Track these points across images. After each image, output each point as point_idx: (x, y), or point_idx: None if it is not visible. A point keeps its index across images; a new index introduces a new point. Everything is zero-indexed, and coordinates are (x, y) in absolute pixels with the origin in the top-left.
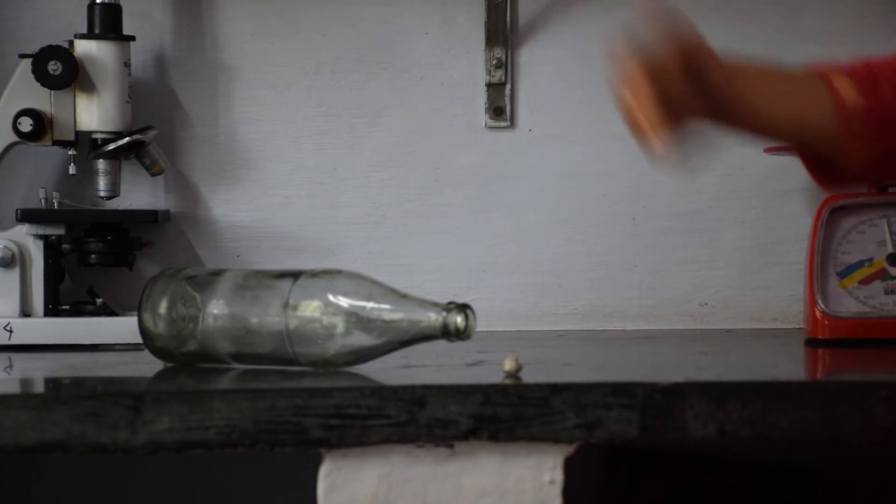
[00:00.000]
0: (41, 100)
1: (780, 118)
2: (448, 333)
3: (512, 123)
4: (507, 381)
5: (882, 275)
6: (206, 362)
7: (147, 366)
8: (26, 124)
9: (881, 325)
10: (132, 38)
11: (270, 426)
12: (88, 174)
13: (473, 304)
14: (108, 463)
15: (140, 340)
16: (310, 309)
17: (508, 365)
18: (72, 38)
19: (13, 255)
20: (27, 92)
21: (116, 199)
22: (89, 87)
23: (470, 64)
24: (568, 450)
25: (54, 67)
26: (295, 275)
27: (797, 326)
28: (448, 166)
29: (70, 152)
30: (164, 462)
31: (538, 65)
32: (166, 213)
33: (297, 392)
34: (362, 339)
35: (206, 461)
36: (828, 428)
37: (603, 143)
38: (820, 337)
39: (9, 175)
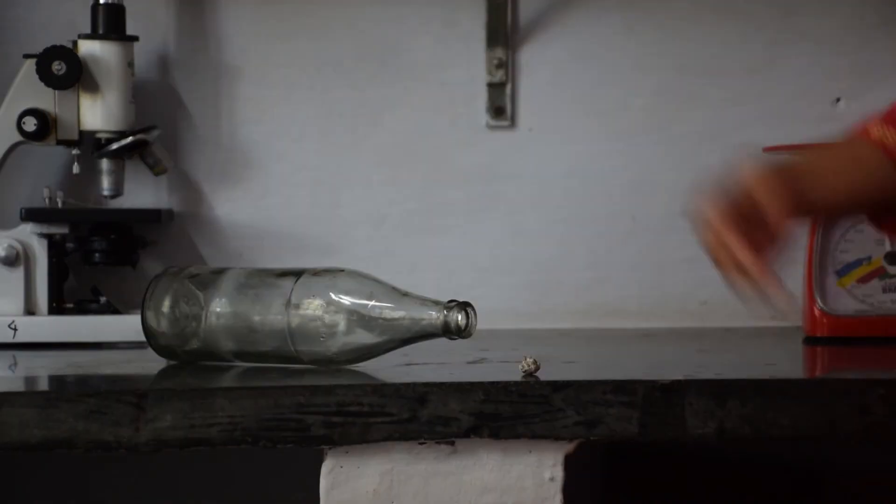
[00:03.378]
0: (45, 100)
1: (851, 197)
2: (449, 331)
3: (512, 123)
4: (530, 380)
5: (880, 273)
6: (208, 360)
7: (150, 364)
8: (30, 124)
9: (879, 323)
10: (136, 39)
11: (273, 424)
12: (92, 174)
13: (474, 303)
14: (112, 460)
15: (143, 338)
16: (312, 307)
17: (525, 364)
18: (76, 38)
19: (17, 254)
20: (31, 92)
21: (120, 198)
22: (93, 87)
23: (471, 64)
24: (568, 447)
25: (58, 67)
26: (297, 273)
27: (796, 325)
28: (449, 166)
29: (74, 152)
30: (168, 459)
31: (539, 65)
32: (169, 213)
33: (299, 390)
34: (364, 338)
35: (209, 458)
36: (827, 425)
37: (603, 143)
38: (818, 335)
39: (13, 174)
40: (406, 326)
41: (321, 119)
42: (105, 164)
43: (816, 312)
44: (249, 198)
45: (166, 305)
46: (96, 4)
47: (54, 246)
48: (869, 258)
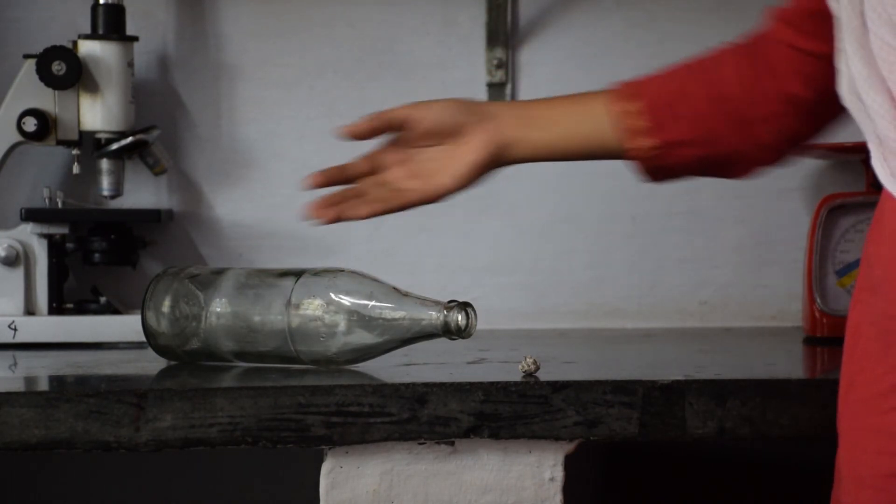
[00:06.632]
0: (45, 100)
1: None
2: (449, 331)
3: None
4: (530, 380)
5: None
6: (208, 360)
7: (150, 364)
8: (30, 124)
9: None
10: (135, 39)
11: (273, 424)
12: (92, 174)
13: (474, 303)
14: (112, 460)
15: (143, 338)
16: (312, 307)
17: (525, 365)
18: (75, 38)
19: (17, 254)
20: (31, 92)
21: (120, 198)
22: (93, 87)
23: (471, 64)
24: (568, 447)
25: (58, 68)
26: (297, 273)
27: (796, 325)
28: None
29: (74, 152)
30: (168, 459)
31: (539, 65)
32: (169, 213)
33: (299, 390)
34: (364, 338)
35: (209, 458)
36: (827, 425)
37: None
38: (818, 335)
39: (13, 174)
40: (406, 327)
41: (321, 119)
42: (105, 164)
43: (816, 312)
44: (249, 198)
45: (166, 305)
46: (96, 4)
47: (54, 246)
48: None
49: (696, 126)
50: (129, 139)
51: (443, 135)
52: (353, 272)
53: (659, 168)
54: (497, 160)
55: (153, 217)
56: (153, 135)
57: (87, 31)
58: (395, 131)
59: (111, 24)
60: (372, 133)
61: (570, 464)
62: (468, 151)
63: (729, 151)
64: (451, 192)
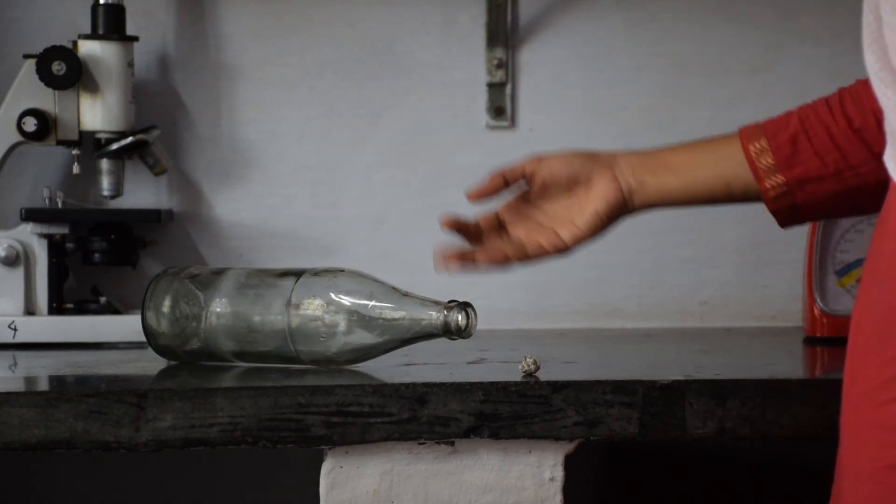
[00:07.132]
0: (45, 100)
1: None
2: (449, 331)
3: (513, 123)
4: (530, 380)
5: None
6: (209, 360)
7: (150, 364)
8: (30, 124)
9: None
10: (136, 39)
11: (273, 424)
12: (92, 174)
13: (474, 303)
14: (112, 460)
15: (143, 338)
16: (312, 307)
17: (525, 365)
18: (76, 38)
19: (17, 254)
20: (31, 92)
21: (120, 198)
22: (93, 87)
23: (471, 64)
24: (568, 447)
25: (58, 68)
26: (297, 273)
27: (796, 325)
28: (449, 166)
29: (74, 152)
30: (168, 459)
31: (539, 65)
32: (169, 213)
33: (299, 390)
34: (364, 338)
35: (209, 458)
36: (827, 425)
37: (603, 143)
38: (818, 335)
39: (13, 174)
40: (406, 326)
41: (321, 119)
42: (105, 164)
43: (816, 312)
44: (249, 198)
45: (166, 305)
46: (96, 4)
47: (54, 246)
48: None
49: (826, 159)
50: (129, 139)
51: (564, 186)
52: (353, 272)
53: (789, 208)
54: (622, 207)
55: (153, 217)
56: (153, 135)
57: (87, 31)
58: (517, 186)
59: (111, 24)
60: (496, 191)
61: (570, 464)
62: (591, 201)
63: (867, 181)
64: (575, 245)
